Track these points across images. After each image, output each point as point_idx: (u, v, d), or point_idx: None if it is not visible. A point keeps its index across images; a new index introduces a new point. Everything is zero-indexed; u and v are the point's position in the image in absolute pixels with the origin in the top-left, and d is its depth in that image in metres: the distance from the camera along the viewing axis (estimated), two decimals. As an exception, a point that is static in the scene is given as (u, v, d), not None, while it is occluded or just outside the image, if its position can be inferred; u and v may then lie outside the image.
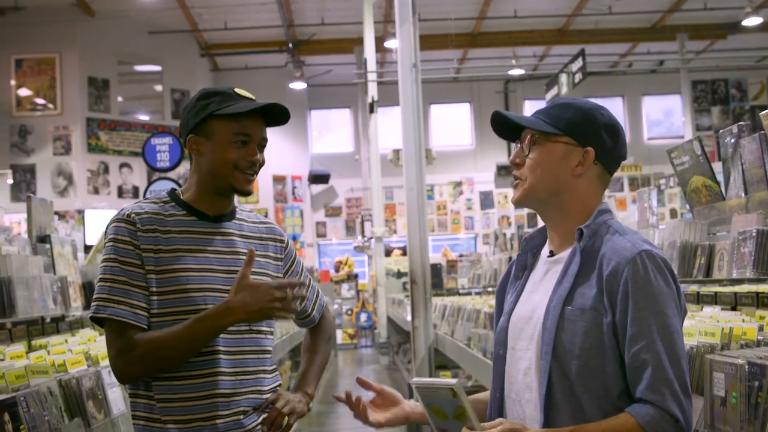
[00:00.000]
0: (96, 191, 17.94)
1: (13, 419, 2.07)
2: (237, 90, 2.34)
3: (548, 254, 2.01)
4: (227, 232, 2.32)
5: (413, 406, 2.19)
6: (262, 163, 2.33)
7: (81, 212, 16.91)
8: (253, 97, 2.35)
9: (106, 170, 18.20)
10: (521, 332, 1.97)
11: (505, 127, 2.04)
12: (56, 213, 4.77)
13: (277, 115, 2.34)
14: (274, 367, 2.37)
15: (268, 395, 2.30)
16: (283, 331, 7.78)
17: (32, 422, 2.17)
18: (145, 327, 2.17)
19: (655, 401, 1.71)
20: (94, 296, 2.20)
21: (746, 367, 1.71)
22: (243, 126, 2.27)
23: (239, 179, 2.29)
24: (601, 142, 1.94)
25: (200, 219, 2.30)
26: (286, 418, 2.30)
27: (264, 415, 2.28)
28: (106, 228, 2.28)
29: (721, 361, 1.78)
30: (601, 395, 1.80)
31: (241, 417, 2.22)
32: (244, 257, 2.30)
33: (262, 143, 2.34)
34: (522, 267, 2.08)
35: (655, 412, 1.70)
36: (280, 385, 2.37)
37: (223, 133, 2.27)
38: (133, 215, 2.25)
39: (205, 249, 2.27)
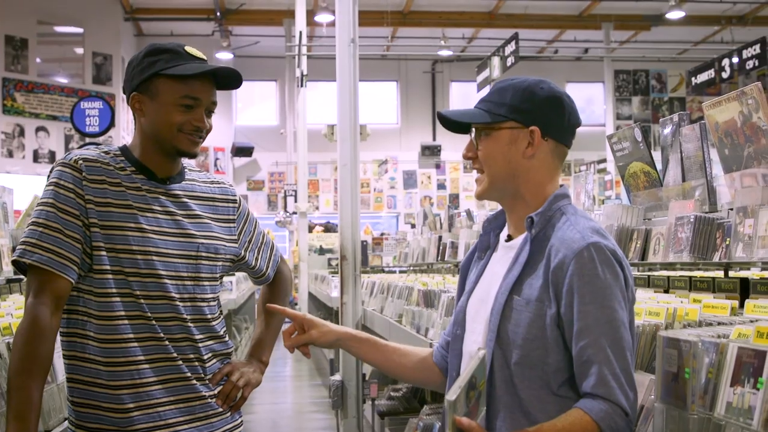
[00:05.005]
0: (10, 154, 17.35)
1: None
2: (188, 48, 2.23)
3: (506, 238, 2.02)
4: (177, 193, 2.25)
5: (323, 331, 2.20)
6: (209, 129, 2.23)
7: (-6, 176, 16.39)
8: (204, 57, 2.25)
9: (22, 133, 17.60)
10: (476, 314, 1.99)
11: (454, 124, 2.02)
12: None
13: (228, 78, 2.24)
14: (224, 332, 2.33)
15: (211, 363, 2.25)
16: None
17: (-18, 385, 2.11)
18: (72, 280, 2.08)
19: (605, 395, 1.73)
20: (22, 239, 2.09)
21: (699, 344, 1.78)
22: (191, 89, 2.17)
23: (184, 142, 2.20)
24: (545, 117, 1.93)
25: (149, 179, 2.22)
26: (241, 390, 2.29)
27: (219, 388, 2.26)
28: (50, 171, 2.17)
29: (674, 338, 1.85)
30: (541, 386, 1.82)
31: (194, 383, 2.19)
32: (197, 219, 2.25)
33: (211, 108, 2.24)
34: (484, 247, 2.09)
35: (607, 407, 1.73)
36: (231, 351, 2.35)
37: (169, 95, 2.17)
38: (80, 162, 2.15)
39: (155, 209, 2.19)
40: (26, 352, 1.99)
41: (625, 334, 1.79)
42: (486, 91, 2.09)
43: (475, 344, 1.94)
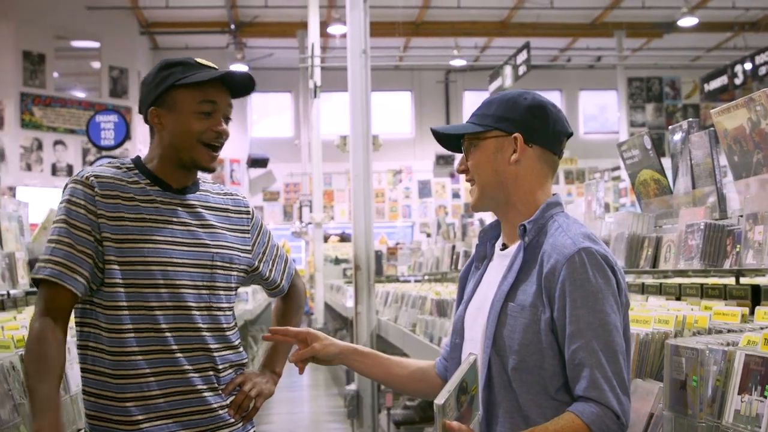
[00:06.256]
0: (29, 168, 17.51)
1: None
2: (198, 59, 2.28)
3: (501, 247, 2.06)
4: (192, 203, 2.28)
5: (325, 344, 2.20)
6: (227, 136, 2.27)
7: (12, 189, 16.50)
8: (215, 67, 2.29)
9: (40, 147, 17.76)
10: (474, 323, 2.01)
11: (448, 141, 2.10)
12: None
13: (241, 85, 2.28)
14: (239, 342, 2.35)
15: (227, 373, 2.27)
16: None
17: (-3, 397, 2.14)
18: (78, 293, 2.12)
19: (596, 398, 1.75)
20: (40, 257, 2.16)
21: (706, 352, 1.78)
22: (206, 94, 2.22)
23: (203, 155, 2.24)
24: (528, 124, 1.97)
25: (164, 190, 2.25)
26: (253, 401, 2.31)
27: (231, 398, 2.27)
28: (64, 188, 2.22)
29: (682, 345, 1.85)
30: (539, 391, 1.84)
31: (205, 395, 2.20)
32: (212, 229, 2.28)
33: (227, 113, 2.28)
34: (481, 257, 2.12)
35: (598, 410, 1.74)
36: (245, 361, 2.37)
37: (187, 103, 2.21)
38: (92, 178, 2.18)
39: (171, 220, 2.22)
40: (34, 358, 2.05)
41: (617, 338, 1.80)
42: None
43: (474, 352, 1.95)
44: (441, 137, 2.10)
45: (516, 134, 1.96)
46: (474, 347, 1.98)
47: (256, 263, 2.43)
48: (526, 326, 1.85)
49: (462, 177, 2.12)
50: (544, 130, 1.99)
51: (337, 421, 9.34)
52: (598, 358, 1.76)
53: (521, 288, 1.89)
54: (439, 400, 1.65)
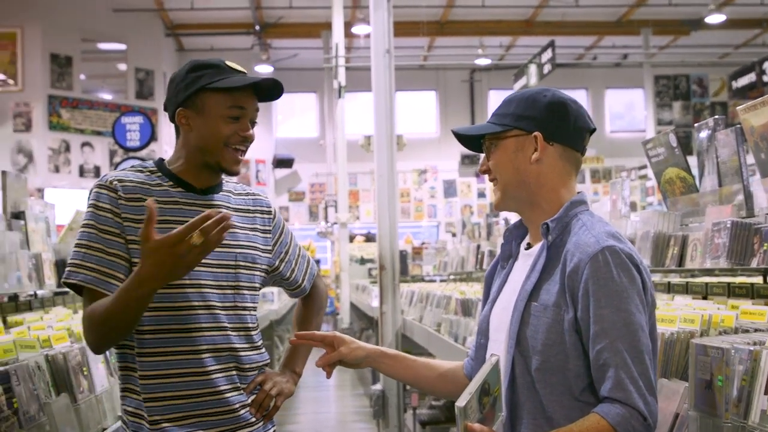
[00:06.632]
0: (57, 170, 17.68)
1: (5, 393, 2.06)
2: (228, 63, 2.28)
3: (526, 246, 2.04)
4: (215, 204, 2.28)
5: (352, 347, 2.19)
6: (252, 140, 2.28)
7: (41, 191, 16.67)
8: (245, 70, 2.30)
9: (68, 149, 17.93)
10: (499, 323, 1.99)
11: (470, 142, 2.08)
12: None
13: (269, 89, 2.29)
14: (261, 343, 2.36)
15: (251, 373, 2.29)
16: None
17: (22, 396, 2.16)
18: None
19: (622, 399, 1.72)
20: (69, 261, 2.16)
21: (732, 351, 1.76)
22: (236, 99, 2.22)
23: (228, 158, 2.24)
24: (548, 122, 1.94)
25: (187, 191, 2.26)
26: (274, 399, 2.31)
27: (252, 396, 2.28)
28: (89, 192, 2.23)
29: (707, 345, 1.83)
30: (563, 392, 1.82)
31: (227, 395, 2.21)
32: (234, 230, 2.27)
33: (254, 118, 2.29)
34: (506, 257, 2.10)
35: (624, 411, 1.71)
36: (268, 362, 2.37)
37: (216, 107, 2.21)
38: (115, 182, 2.20)
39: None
40: (96, 318, 2.07)
41: (642, 338, 1.77)
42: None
43: (498, 352, 1.94)
44: (463, 138, 2.09)
45: (536, 133, 1.94)
46: (499, 347, 1.96)
47: (277, 263, 2.44)
48: (549, 326, 1.83)
49: (487, 176, 2.11)
50: (564, 128, 1.96)
51: (363, 420, 9.35)
52: (623, 359, 1.74)
53: (544, 287, 1.87)
54: (461, 403, 1.64)
